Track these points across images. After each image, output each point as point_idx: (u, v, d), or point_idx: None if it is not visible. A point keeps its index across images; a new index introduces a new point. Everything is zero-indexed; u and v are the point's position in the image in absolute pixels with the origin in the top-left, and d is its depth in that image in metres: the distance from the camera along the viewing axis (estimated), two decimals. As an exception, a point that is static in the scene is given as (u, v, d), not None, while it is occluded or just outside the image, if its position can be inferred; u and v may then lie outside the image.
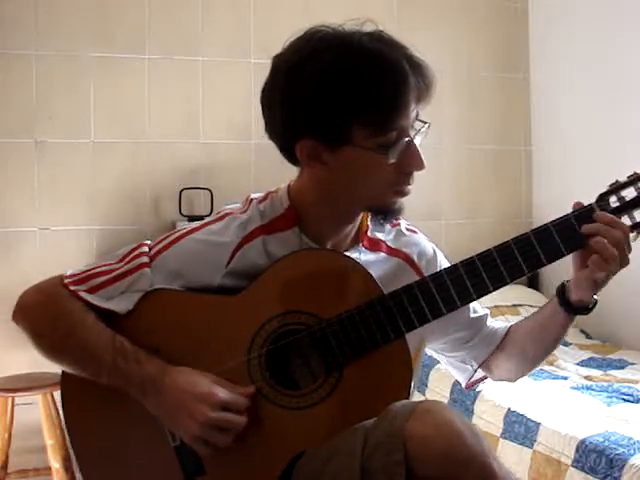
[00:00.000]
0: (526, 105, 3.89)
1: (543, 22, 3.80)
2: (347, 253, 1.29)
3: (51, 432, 2.74)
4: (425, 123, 1.22)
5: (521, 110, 3.88)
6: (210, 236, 1.26)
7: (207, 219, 1.32)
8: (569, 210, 1.23)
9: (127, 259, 1.26)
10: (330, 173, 1.22)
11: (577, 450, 2.16)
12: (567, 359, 3.12)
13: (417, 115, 1.21)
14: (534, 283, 3.71)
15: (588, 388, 2.69)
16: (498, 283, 1.21)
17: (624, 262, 1.21)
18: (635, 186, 1.20)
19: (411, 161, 1.20)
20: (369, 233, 1.35)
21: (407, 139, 1.19)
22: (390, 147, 1.17)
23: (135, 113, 3.28)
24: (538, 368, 1.45)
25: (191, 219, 3.06)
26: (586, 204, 1.22)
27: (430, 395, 2.89)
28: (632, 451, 2.05)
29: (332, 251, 1.29)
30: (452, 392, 2.78)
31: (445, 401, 2.75)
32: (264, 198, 1.32)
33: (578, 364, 3.07)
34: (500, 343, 1.43)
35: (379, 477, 1.06)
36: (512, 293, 3.40)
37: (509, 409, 2.49)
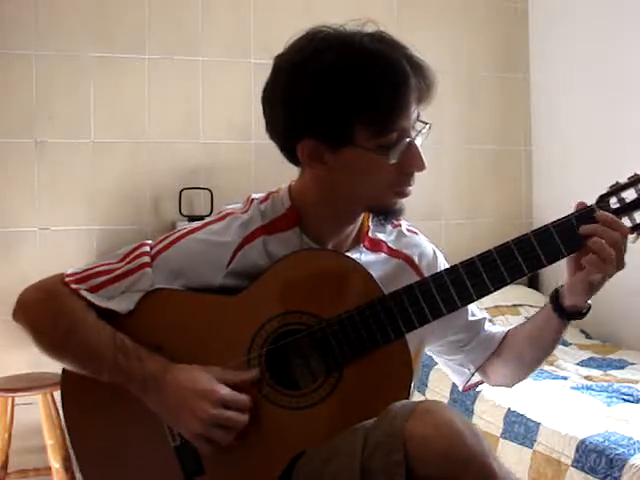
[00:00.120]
0: (526, 105, 3.89)
1: (543, 22, 3.81)
2: (348, 253, 1.29)
3: (51, 432, 2.74)
4: (426, 124, 1.22)
5: (521, 110, 3.88)
6: (211, 236, 1.26)
7: (208, 219, 1.32)
8: (569, 210, 1.23)
9: (128, 259, 1.26)
10: (331, 173, 1.22)
11: (577, 450, 2.16)
12: (567, 359, 3.12)
13: (418, 116, 1.21)
14: (534, 283, 3.71)
15: (588, 388, 2.69)
16: (498, 283, 1.21)
17: (620, 264, 1.20)
18: (635, 187, 1.20)
19: (412, 162, 1.20)
20: (370, 233, 1.35)
21: (408, 140, 1.19)
22: (391, 148, 1.18)
23: (135, 113, 3.28)
24: (537, 370, 1.44)
25: (191, 219, 3.06)
26: (586, 205, 1.22)
27: (430, 395, 2.89)
28: (632, 451, 2.05)
29: (333, 251, 1.29)
30: (452, 392, 2.78)
31: (445, 401, 2.75)
32: (265, 198, 1.32)
33: (578, 364, 3.07)
34: (497, 348, 1.43)
35: (379, 477, 1.06)
36: (512, 293, 3.40)
37: (509, 409, 2.50)
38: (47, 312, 1.25)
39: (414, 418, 1.07)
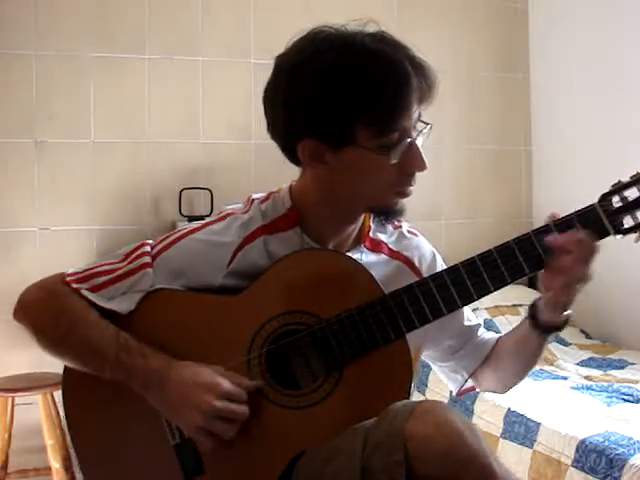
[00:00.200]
0: (526, 105, 3.89)
1: (543, 22, 3.81)
2: (349, 253, 1.29)
3: (51, 432, 2.74)
4: (427, 124, 1.22)
5: (521, 110, 3.88)
6: (211, 236, 1.27)
7: (208, 219, 1.32)
8: (569, 210, 1.22)
9: (129, 259, 1.26)
10: (332, 173, 1.22)
11: (577, 450, 2.16)
12: (567, 359, 3.12)
13: (419, 116, 1.21)
14: (534, 283, 3.71)
15: (588, 388, 2.69)
16: (499, 283, 1.21)
17: (587, 279, 1.20)
18: (638, 186, 1.19)
19: (413, 162, 1.20)
20: (371, 234, 1.35)
21: (409, 140, 1.19)
22: (392, 148, 1.17)
23: (135, 113, 3.28)
24: (524, 379, 1.44)
25: (191, 219, 3.06)
26: (588, 204, 1.21)
27: (430, 395, 2.89)
28: (632, 451, 2.05)
29: (333, 251, 1.29)
30: (452, 392, 2.78)
31: (445, 401, 2.75)
32: (266, 198, 1.32)
33: (578, 364, 3.07)
34: (488, 355, 1.43)
35: (379, 477, 1.06)
36: (512, 293, 3.40)
37: (509, 409, 2.50)
38: (48, 311, 1.25)
39: (414, 418, 1.07)
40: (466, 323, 1.43)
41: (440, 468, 1.04)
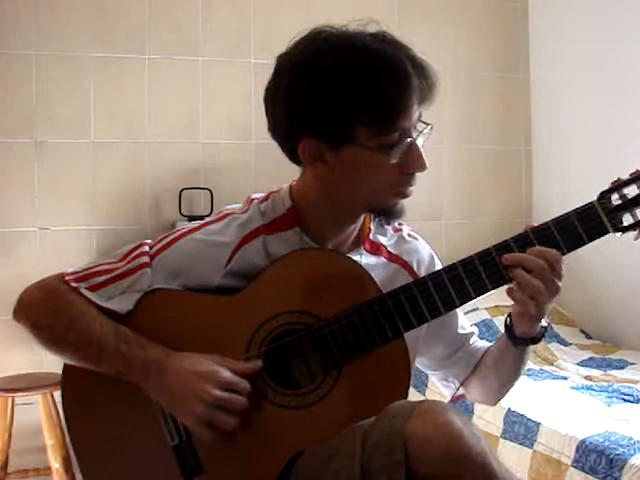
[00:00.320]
0: (526, 105, 3.88)
1: (543, 22, 3.80)
2: (348, 255, 1.28)
3: (51, 432, 2.74)
4: (427, 124, 1.22)
5: (521, 110, 3.88)
6: (210, 236, 1.27)
7: (207, 219, 1.32)
8: (569, 210, 1.22)
9: (128, 258, 1.26)
10: (332, 172, 1.22)
11: (577, 450, 2.16)
12: (567, 359, 3.12)
13: (420, 116, 1.21)
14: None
15: (588, 388, 2.69)
16: (497, 282, 1.21)
17: (553, 290, 1.19)
18: (637, 184, 1.19)
19: (413, 162, 1.20)
20: (371, 236, 1.35)
21: (409, 140, 1.19)
22: (392, 147, 1.18)
23: (135, 113, 3.28)
24: (507, 393, 1.44)
25: (191, 219, 3.06)
26: (587, 202, 1.21)
27: (430, 395, 2.89)
28: (632, 451, 2.05)
29: (331, 251, 1.29)
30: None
31: (445, 401, 2.75)
32: (265, 198, 1.32)
33: (578, 364, 3.07)
34: (477, 364, 1.43)
35: (379, 477, 1.05)
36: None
37: (509, 409, 2.50)
38: (48, 309, 1.25)
39: (414, 418, 1.07)
40: (459, 331, 1.43)
41: (440, 468, 1.04)
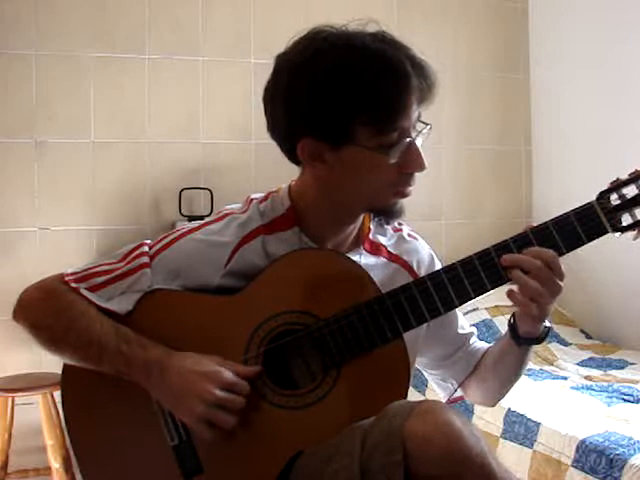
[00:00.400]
0: (526, 105, 3.88)
1: (543, 22, 3.80)
2: (348, 255, 1.28)
3: (51, 432, 2.74)
4: (427, 124, 1.22)
5: (521, 110, 3.88)
6: (209, 236, 1.27)
7: (207, 219, 1.32)
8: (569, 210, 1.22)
9: (128, 259, 1.26)
10: (331, 172, 1.22)
11: (577, 450, 2.16)
12: (567, 359, 3.12)
13: (419, 116, 1.21)
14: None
15: (588, 388, 2.69)
16: (496, 282, 1.21)
17: (554, 291, 1.18)
18: (636, 184, 1.19)
19: (412, 162, 1.20)
20: (371, 236, 1.35)
21: (408, 140, 1.19)
22: (391, 147, 1.18)
23: (135, 113, 3.28)
24: (507, 393, 1.44)
25: (191, 219, 3.06)
26: (586, 202, 1.21)
27: (430, 395, 2.88)
28: (632, 451, 2.05)
29: (330, 251, 1.29)
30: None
31: (445, 401, 2.75)
32: (265, 198, 1.32)
33: (578, 364, 3.07)
34: (476, 365, 1.43)
35: (378, 477, 1.05)
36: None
37: (509, 409, 2.50)
38: (48, 310, 1.25)
39: (414, 417, 1.06)
40: (459, 331, 1.43)
41: (439, 468, 1.04)
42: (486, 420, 2.56)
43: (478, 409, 2.62)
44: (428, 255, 1.41)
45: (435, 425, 1.05)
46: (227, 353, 1.21)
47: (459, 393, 1.47)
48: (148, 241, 1.30)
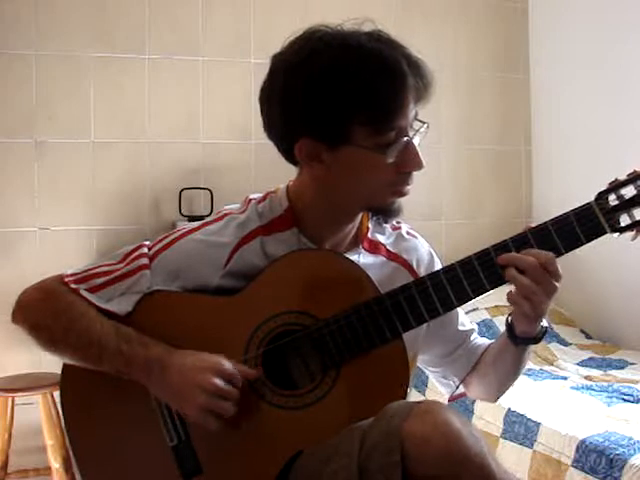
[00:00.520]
0: (526, 105, 3.88)
1: (543, 22, 3.80)
2: (346, 254, 1.28)
3: (51, 432, 2.74)
4: (424, 123, 1.22)
5: (521, 110, 3.88)
6: (209, 236, 1.27)
7: (206, 219, 1.32)
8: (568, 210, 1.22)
9: (127, 260, 1.26)
10: (329, 172, 1.22)
11: (577, 450, 2.16)
12: (567, 359, 3.11)
13: (416, 115, 1.21)
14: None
15: (588, 388, 2.69)
16: (495, 282, 1.20)
17: (549, 290, 1.18)
18: (635, 184, 1.19)
19: (409, 161, 1.20)
20: (369, 235, 1.35)
21: (406, 139, 1.19)
22: (388, 146, 1.18)
23: (135, 113, 3.28)
24: (506, 391, 1.44)
25: (191, 219, 3.06)
26: (585, 202, 1.21)
27: (430, 395, 2.89)
28: (632, 451, 2.05)
29: (329, 251, 1.29)
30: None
31: (444, 401, 2.75)
32: (263, 198, 1.32)
33: (578, 364, 3.07)
34: (477, 362, 1.43)
35: (377, 477, 1.05)
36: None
37: (509, 409, 2.49)
38: (47, 310, 1.25)
39: (412, 418, 1.06)
40: (460, 328, 1.43)
41: (438, 468, 1.04)
42: (486, 420, 2.56)
43: (478, 409, 2.62)
44: (427, 253, 1.41)
45: (434, 425, 1.05)
46: (227, 354, 1.21)
47: (461, 390, 1.47)
48: (147, 242, 1.30)
